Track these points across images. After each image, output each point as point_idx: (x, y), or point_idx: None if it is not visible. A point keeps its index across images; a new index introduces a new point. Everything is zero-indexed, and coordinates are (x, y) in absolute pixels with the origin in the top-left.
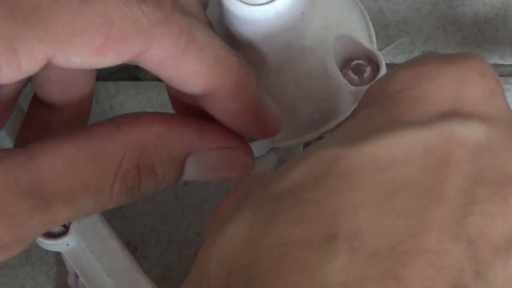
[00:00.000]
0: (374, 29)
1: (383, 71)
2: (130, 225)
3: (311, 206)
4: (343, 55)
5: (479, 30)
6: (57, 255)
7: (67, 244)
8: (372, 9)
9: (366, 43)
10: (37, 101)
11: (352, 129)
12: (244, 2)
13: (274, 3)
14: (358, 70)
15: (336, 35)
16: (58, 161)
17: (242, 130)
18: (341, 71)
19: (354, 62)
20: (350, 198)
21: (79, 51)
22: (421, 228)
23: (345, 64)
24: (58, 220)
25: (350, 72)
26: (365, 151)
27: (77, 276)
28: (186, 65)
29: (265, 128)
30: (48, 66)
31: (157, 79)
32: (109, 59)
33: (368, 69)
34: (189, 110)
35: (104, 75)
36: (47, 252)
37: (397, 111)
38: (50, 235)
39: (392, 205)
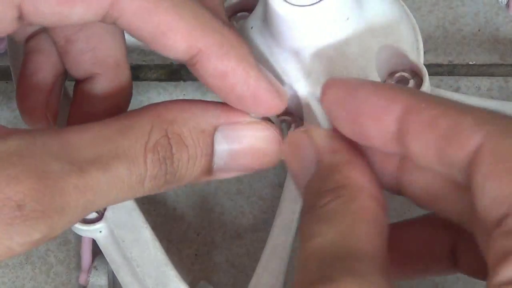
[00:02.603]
0: None
1: (426, 85)
2: None
3: None
4: (387, 65)
5: (479, 30)
6: (57, 255)
7: (100, 231)
8: None
9: (412, 55)
10: (78, 90)
11: None
12: (289, 3)
13: (319, 5)
14: (401, 82)
15: (382, 44)
16: (85, 135)
17: (236, 99)
18: (384, 81)
19: (398, 74)
20: None
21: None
22: None
23: (389, 74)
24: (95, 185)
25: (393, 83)
26: None
27: (88, 275)
28: (161, 20)
29: (261, 100)
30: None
31: (157, 79)
32: (79, 11)
33: (411, 82)
34: None
35: None
36: (47, 252)
37: None
38: (84, 221)
39: None
